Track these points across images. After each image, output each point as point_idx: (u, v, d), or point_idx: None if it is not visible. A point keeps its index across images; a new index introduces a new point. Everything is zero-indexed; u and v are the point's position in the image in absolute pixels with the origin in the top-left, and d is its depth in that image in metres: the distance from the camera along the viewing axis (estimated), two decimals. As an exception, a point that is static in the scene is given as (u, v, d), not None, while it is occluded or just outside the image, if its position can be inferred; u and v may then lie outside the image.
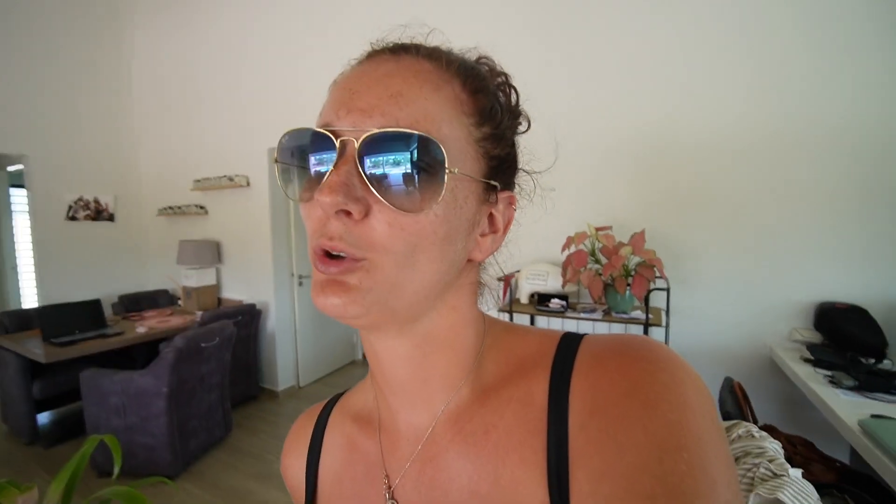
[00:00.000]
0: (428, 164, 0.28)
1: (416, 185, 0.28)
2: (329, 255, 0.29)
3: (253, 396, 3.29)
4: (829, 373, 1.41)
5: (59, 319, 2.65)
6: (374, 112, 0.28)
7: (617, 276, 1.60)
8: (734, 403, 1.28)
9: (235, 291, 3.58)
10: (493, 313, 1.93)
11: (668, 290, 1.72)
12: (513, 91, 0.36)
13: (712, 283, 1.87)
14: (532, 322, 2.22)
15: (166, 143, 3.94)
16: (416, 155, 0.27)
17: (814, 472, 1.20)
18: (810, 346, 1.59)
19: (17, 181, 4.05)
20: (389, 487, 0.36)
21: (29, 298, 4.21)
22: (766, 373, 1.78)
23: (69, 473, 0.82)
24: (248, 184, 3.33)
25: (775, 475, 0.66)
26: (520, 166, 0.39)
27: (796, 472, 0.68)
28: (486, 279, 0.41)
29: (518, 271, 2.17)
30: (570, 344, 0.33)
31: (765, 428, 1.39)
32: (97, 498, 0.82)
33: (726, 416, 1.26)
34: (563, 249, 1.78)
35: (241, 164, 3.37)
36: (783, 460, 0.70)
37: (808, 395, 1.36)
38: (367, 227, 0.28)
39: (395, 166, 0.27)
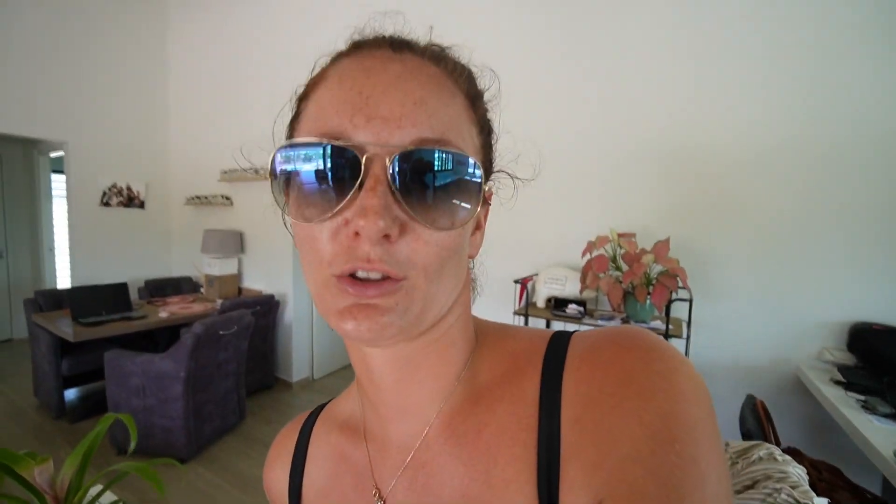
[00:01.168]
0: (467, 183, 0.27)
1: (455, 203, 0.27)
2: (350, 279, 0.27)
3: (268, 386, 3.35)
4: (861, 397, 1.33)
5: (88, 300, 2.76)
6: (403, 122, 0.26)
7: (638, 283, 1.55)
8: (755, 422, 1.22)
9: (256, 281, 3.66)
10: (508, 316, 1.90)
11: (690, 301, 1.66)
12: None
13: (738, 297, 1.80)
14: (548, 327, 2.18)
15: (196, 135, 4.06)
16: (456, 173, 0.26)
17: (840, 501, 1.13)
18: (842, 368, 1.50)
19: (58, 167, 4.25)
20: (381, 499, 0.35)
21: (63, 279, 4.41)
22: (791, 393, 1.70)
23: (84, 449, 0.84)
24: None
25: (798, 503, 0.62)
26: (497, 167, 0.38)
27: (821, 502, 0.64)
28: (475, 273, 0.40)
29: (536, 274, 2.14)
30: (560, 340, 0.32)
31: (788, 451, 1.32)
32: (113, 471, 0.84)
33: (746, 436, 1.20)
34: (584, 254, 1.74)
35: (266, 156, 3.44)
36: (807, 487, 0.66)
37: (838, 419, 1.29)
38: (404, 247, 0.26)
39: (434, 185, 0.26)
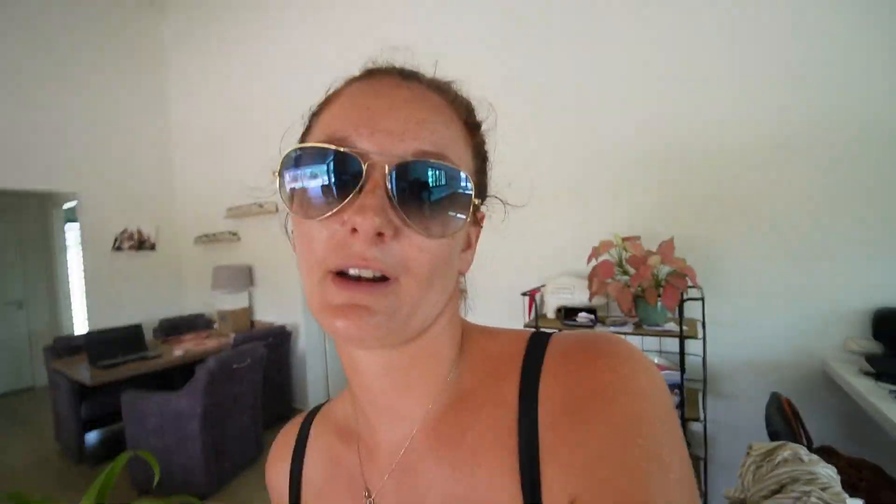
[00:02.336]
0: (459, 196, 0.30)
1: (447, 214, 0.29)
2: (344, 278, 0.28)
3: (286, 417, 3.31)
4: (894, 387, 1.27)
5: (103, 344, 2.80)
6: (405, 136, 0.29)
7: (647, 286, 1.52)
8: (783, 422, 1.17)
9: (267, 314, 3.68)
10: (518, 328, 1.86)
11: (702, 300, 1.62)
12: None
13: (753, 292, 1.75)
14: (560, 337, 2.15)
15: (202, 176, 4.17)
16: (449, 185, 0.29)
17: (883, 501, 1.07)
18: (870, 358, 1.45)
19: (71, 216, 4.37)
20: (371, 500, 0.36)
21: (80, 325, 4.48)
22: (820, 388, 1.63)
23: (97, 489, 0.84)
24: (277, 209, 3.45)
25: (829, 505, 0.58)
26: (490, 192, 0.41)
27: (857, 503, 0.60)
28: (465, 287, 0.43)
29: (543, 286, 2.12)
30: (538, 342, 0.34)
31: (822, 450, 1.26)
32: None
33: (774, 436, 1.15)
34: (589, 260, 1.72)
35: (269, 190, 3.51)
36: (839, 488, 0.63)
37: (871, 412, 1.24)
38: (396, 249, 0.28)
39: (428, 194, 0.28)
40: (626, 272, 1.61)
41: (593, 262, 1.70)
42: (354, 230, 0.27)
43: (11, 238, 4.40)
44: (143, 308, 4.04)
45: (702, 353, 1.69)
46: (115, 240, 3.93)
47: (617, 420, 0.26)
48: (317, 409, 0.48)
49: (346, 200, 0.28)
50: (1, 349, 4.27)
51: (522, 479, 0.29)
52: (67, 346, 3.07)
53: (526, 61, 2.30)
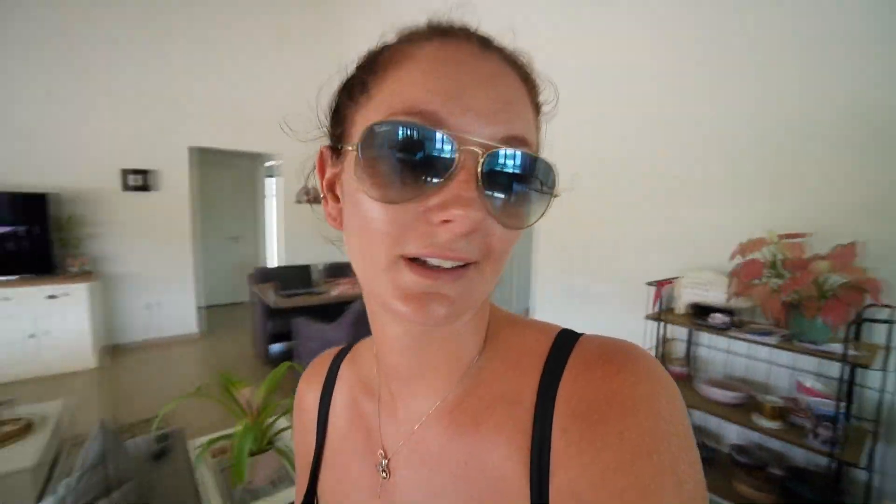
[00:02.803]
0: (543, 188, 0.28)
1: (528, 205, 0.28)
2: (421, 265, 0.27)
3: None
4: None
5: (286, 277, 3.58)
6: (494, 119, 0.27)
7: (805, 295, 1.27)
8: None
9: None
10: (638, 322, 1.77)
11: (891, 322, 1.28)
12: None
13: None
14: (690, 337, 1.95)
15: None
16: (536, 176, 0.28)
17: None
18: None
19: (270, 173, 5.54)
20: (386, 458, 0.38)
21: (272, 259, 5.74)
22: None
23: (267, 385, 1.16)
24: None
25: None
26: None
27: None
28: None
29: (677, 278, 1.93)
30: (564, 345, 0.33)
31: None
32: (282, 405, 1.14)
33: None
34: (733, 257, 1.51)
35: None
36: None
37: None
38: (479, 239, 0.27)
39: (516, 185, 0.27)
40: (779, 275, 1.36)
41: (737, 260, 1.48)
42: (446, 221, 0.25)
43: (230, 188, 5.83)
44: (315, 252, 4.97)
45: (881, 388, 1.36)
46: (301, 193, 4.89)
47: (632, 434, 0.26)
48: (347, 349, 0.49)
49: (436, 186, 0.26)
50: (224, 271, 5.78)
51: (531, 481, 0.29)
52: (263, 275, 3.99)
53: (694, 24, 1.99)
